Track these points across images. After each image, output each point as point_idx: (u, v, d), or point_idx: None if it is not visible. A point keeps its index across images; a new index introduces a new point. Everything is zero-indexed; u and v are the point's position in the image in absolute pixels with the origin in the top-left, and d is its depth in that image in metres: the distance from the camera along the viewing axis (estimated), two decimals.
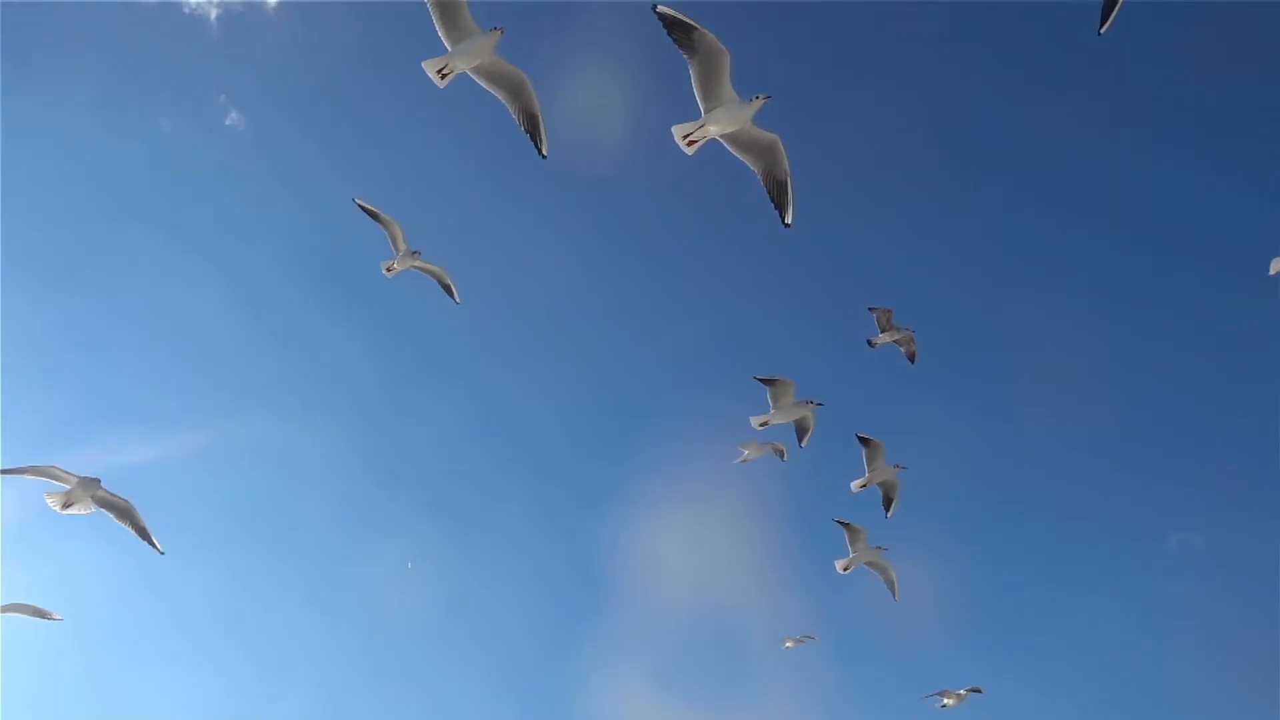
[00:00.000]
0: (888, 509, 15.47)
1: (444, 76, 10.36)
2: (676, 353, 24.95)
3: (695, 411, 20.92)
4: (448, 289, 15.20)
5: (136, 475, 12.93)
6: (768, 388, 14.78)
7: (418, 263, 14.71)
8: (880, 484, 15.30)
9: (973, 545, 22.94)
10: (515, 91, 10.37)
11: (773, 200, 9.77)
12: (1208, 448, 24.76)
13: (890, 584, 16.22)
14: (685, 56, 9.15)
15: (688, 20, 8.87)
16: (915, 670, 20.43)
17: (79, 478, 12.70)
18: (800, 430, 15.50)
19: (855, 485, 15.32)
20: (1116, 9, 10.75)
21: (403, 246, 14.48)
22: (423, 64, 10.39)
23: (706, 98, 9.34)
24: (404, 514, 24.20)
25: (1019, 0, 22.99)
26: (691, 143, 9.74)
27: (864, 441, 15.19)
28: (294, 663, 23.46)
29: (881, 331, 15.96)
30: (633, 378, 25.49)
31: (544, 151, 10.60)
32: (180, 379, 22.67)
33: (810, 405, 14.81)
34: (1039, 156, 24.87)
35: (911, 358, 16.11)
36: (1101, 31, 10.76)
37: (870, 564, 15.88)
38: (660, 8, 8.83)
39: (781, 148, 9.69)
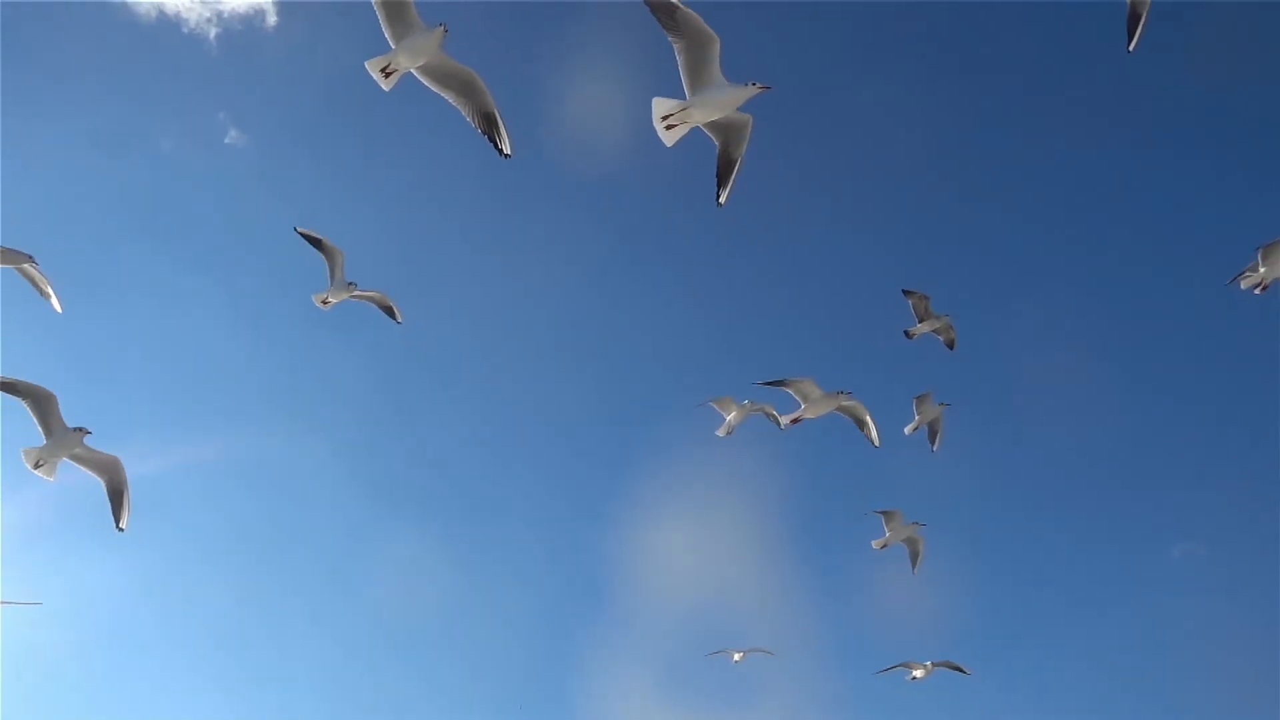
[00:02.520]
0: (933, 441, 16.29)
1: (388, 75, 9.86)
2: (675, 358, 24.84)
3: (695, 416, 20.30)
4: (389, 310, 14.69)
5: (137, 489, 12.36)
6: (788, 390, 14.03)
7: (355, 293, 14.15)
8: (928, 422, 16.10)
9: (972, 558, 22.69)
10: (466, 91, 9.86)
11: (717, 175, 9.51)
12: (1209, 456, 24.55)
13: (914, 556, 16.53)
14: (672, 41, 8.78)
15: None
16: (914, 684, 18.97)
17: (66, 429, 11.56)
18: (859, 424, 14.84)
19: (908, 429, 16.12)
20: (1142, 25, 11.05)
21: (339, 276, 13.90)
22: (366, 63, 9.86)
23: (693, 83, 8.95)
24: (403, 525, 24.06)
25: (1024, 1, 22.71)
26: (671, 127, 9.20)
27: (919, 396, 16.03)
28: (294, 675, 23.41)
29: (919, 320, 15.57)
30: (631, 384, 25.41)
31: (506, 150, 10.00)
32: (181, 395, 22.55)
33: (841, 396, 14.13)
34: (1041, 162, 24.71)
35: (950, 345, 15.90)
36: (1131, 48, 11.05)
37: (904, 540, 16.34)
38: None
39: (749, 130, 9.34)
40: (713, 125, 9.31)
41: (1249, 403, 23.20)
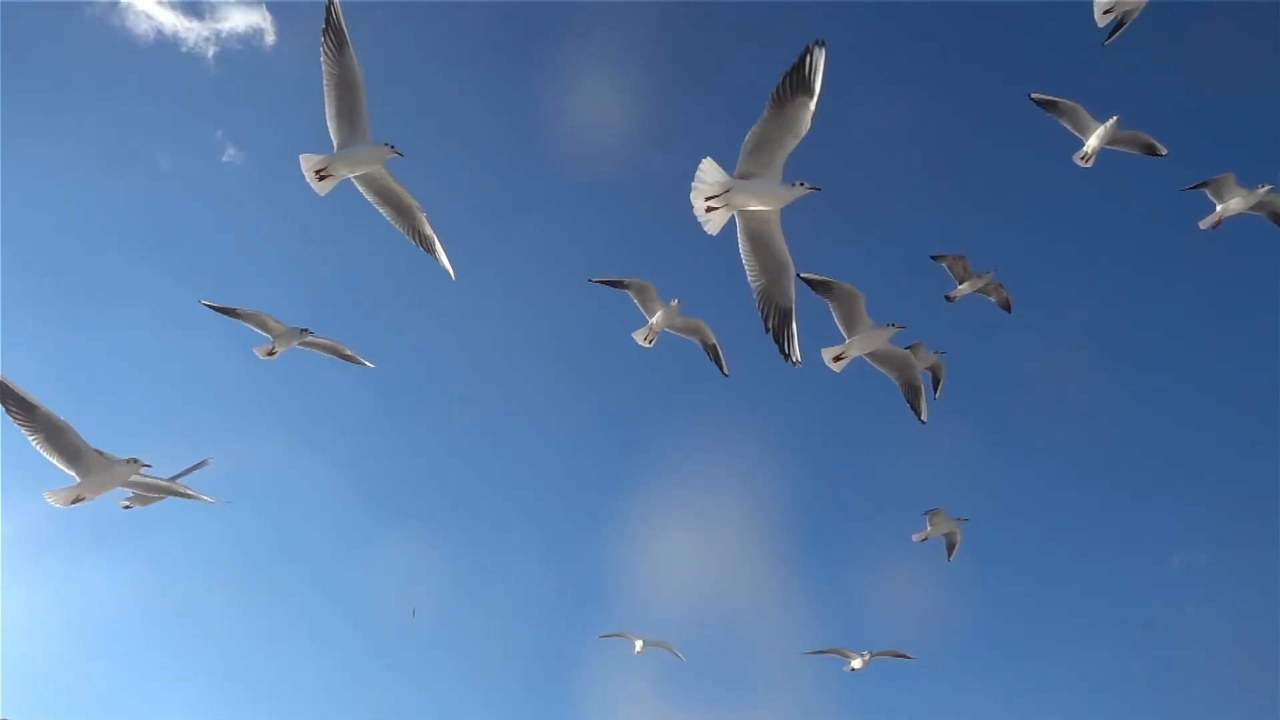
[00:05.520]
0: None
1: (322, 179, 9.51)
2: (673, 362, 23.52)
3: (691, 421, 20.77)
4: (353, 359, 13.00)
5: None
6: (827, 299, 11.01)
7: (308, 340, 12.57)
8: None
9: (970, 567, 21.76)
10: (403, 212, 9.83)
11: (771, 332, 9.27)
12: (1209, 464, 24.20)
13: (951, 547, 16.31)
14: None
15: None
16: (914, 693, 20.24)
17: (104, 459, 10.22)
18: (907, 388, 11.84)
19: None
20: (1123, 30, 12.09)
21: (279, 328, 12.40)
22: (300, 157, 9.50)
23: (748, 164, 8.67)
24: (400, 534, 23.79)
25: (1020, 2, 22.79)
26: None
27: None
28: (292, 685, 23.30)
29: (959, 283, 14.56)
30: (629, 390, 25.14)
31: (451, 273, 10.15)
32: (179, 411, 22.44)
33: (893, 329, 11.23)
34: (1039, 167, 24.12)
35: (1006, 306, 14.82)
36: (1106, 43, 12.16)
37: (943, 534, 16.20)
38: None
39: (790, 276, 9.20)
40: (754, 258, 9.10)
41: (1249, 411, 23.07)
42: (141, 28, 21.85)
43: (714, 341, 13.74)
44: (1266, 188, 13.02)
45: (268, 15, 22.16)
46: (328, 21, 8.88)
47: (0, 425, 10.80)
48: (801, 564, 21.62)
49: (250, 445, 20.72)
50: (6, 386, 9.76)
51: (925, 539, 15.86)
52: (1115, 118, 13.11)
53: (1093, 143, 13.28)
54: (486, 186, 23.32)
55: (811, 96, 7.93)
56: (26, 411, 9.82)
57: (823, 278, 10.91)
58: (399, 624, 21.94)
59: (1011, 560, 23.89)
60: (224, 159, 22.99)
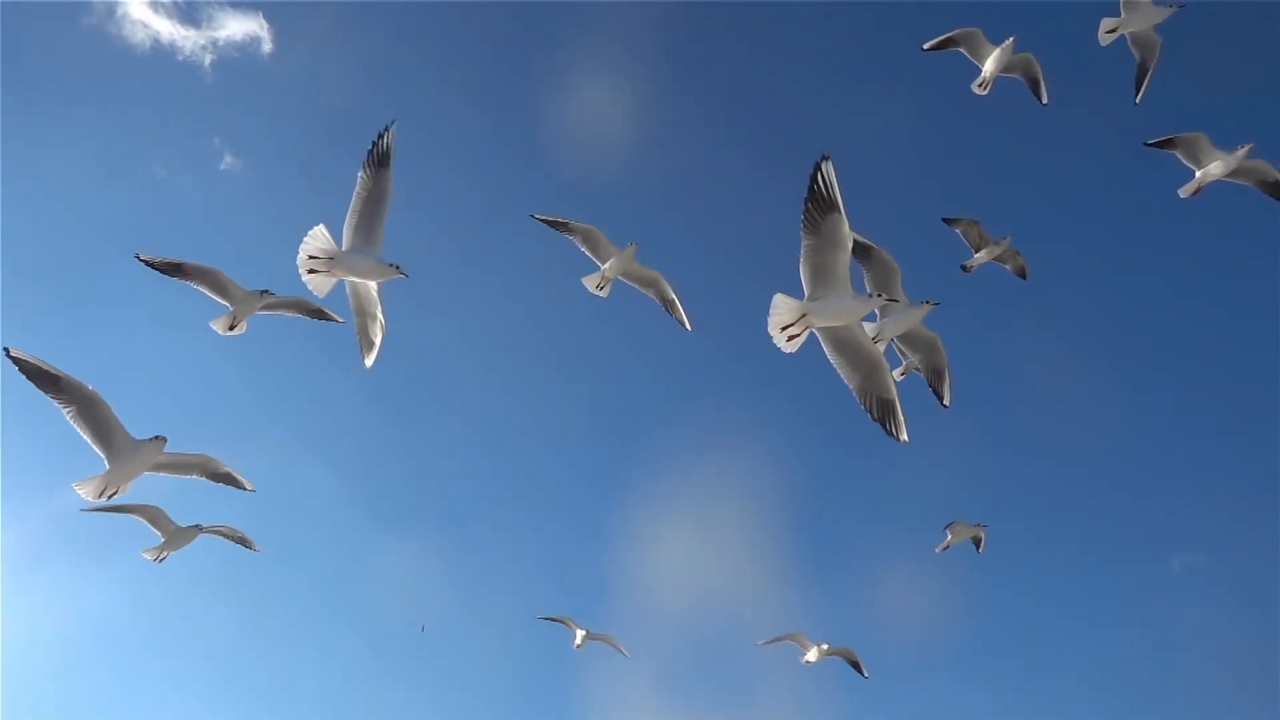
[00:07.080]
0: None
1: (312, 271, 9.66)
2: (672, 366, 24.57)
3: (691, 423, 20.91)
4: (320, 314, 11.80)
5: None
6: (864, 267, 9.97)
7: (270, 302, 11.47)
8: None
9: (968, 570, 21.75)
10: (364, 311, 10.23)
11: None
12: (1209, 465, 23.96)
13: (978, 541, 15.80)
14: (803, 237, 8.35)
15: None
16: (914, 694, 20.39)
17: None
18: (930, 372, 10.71)
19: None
20: (1147, 81, 12.54)
21: (238, 292, 11.31)
22: (316, 229, 9.69)
23: (815, 283, 8.60)
24: (399, 540, 23.74)
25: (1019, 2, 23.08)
26: (791, 337, 9.46)
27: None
28: (292, 691, 22.91)
29: (975, 250, 13.79)
30: (627, 393, 25.02)
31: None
32: (178, 419, 22.08)
33: (928, 306, 9.95)
34: (1040, 170, 24.24)
35: (1021, 273, 13.96)
36: (1137, 101, 12.59)
37: (968, 539, 15.91)
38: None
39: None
40: (842, 359, 9.08)
41: (1249, 411, 22.82)
42: (138, 36, 22.04)
43: (672, 296, 13.11)
44: (1245, 149, 12.29)
45: (264, 23, 22.39)
46: (375, 147, 9.28)
47: (1, 436, 11.10)
48: (802, 565, 21.36)
49: (248, 450, 20.17)
50: (29, 364, 9.59)
51: (946, 548, 15.49)
52: (1011, 39, 12.99)
53: (989, 67, 13.27)
54: (485, 187, 23.46)
55: (839, 211, 7.85)
56: (53, 384, 9.63)
57: (866, 241, 10.04)
58: (398, 628, 21.96)
59: (1011, 561, 23.43)
60: (221, 167, 23.19)
